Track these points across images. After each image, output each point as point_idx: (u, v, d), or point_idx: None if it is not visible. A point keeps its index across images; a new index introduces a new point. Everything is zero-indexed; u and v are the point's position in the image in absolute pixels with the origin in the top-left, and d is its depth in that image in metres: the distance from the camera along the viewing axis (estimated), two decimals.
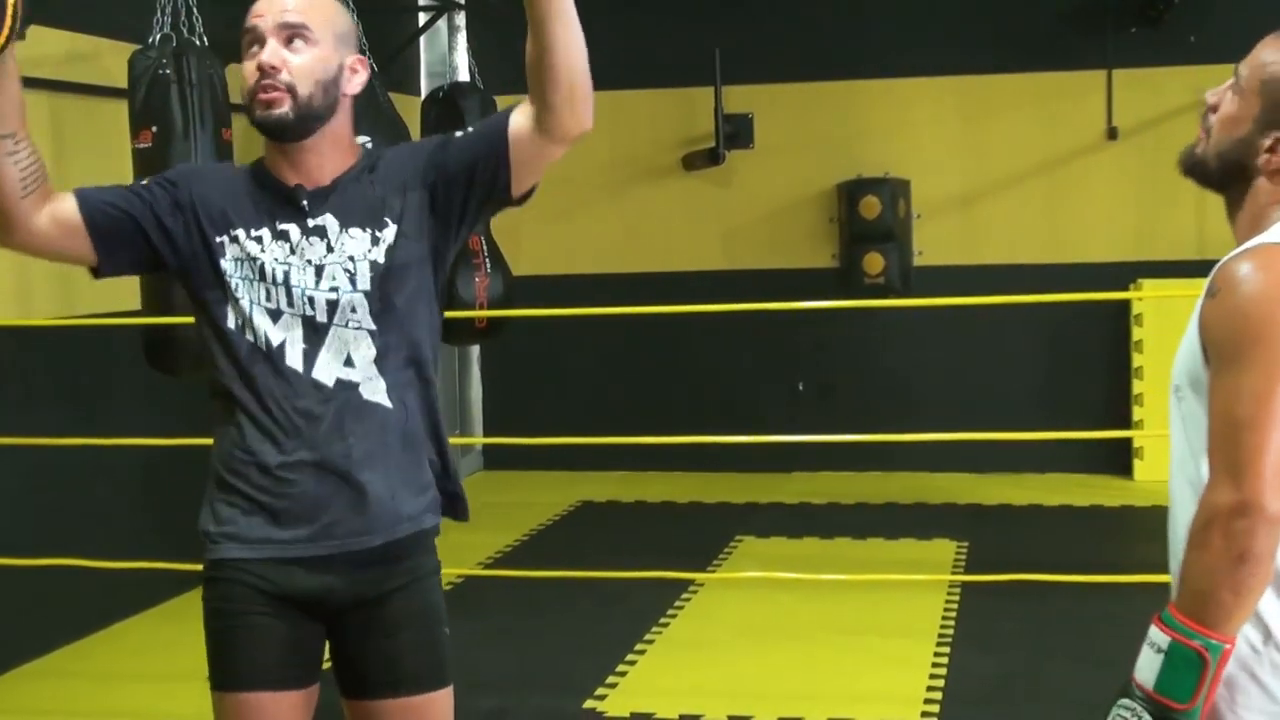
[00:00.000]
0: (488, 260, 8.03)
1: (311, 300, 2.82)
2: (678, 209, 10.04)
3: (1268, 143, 2.28)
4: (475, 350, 10.23)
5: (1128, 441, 9.26)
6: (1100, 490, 9.02)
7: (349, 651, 2.91)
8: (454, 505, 3.01)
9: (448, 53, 9.84)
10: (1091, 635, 6.00)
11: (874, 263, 9.45)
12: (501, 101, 8.43)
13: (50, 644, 6.30)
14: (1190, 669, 2.12)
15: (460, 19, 9.86)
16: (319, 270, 2.82)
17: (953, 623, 6.38)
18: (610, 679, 5.84)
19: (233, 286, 2.83)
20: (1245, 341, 2.13)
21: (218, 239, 2.85)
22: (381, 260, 2.83)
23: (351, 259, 2.82)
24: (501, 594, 6.86)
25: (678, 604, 6.79)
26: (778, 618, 6.58)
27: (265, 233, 2.83)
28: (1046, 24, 9.52)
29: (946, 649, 6.06)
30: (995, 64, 9.58)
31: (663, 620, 6.56)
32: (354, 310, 2.82)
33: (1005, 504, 8.83)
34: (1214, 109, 2.36)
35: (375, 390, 2.84)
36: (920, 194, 9.71)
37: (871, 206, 9.44)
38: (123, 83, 5.92)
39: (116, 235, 2.87)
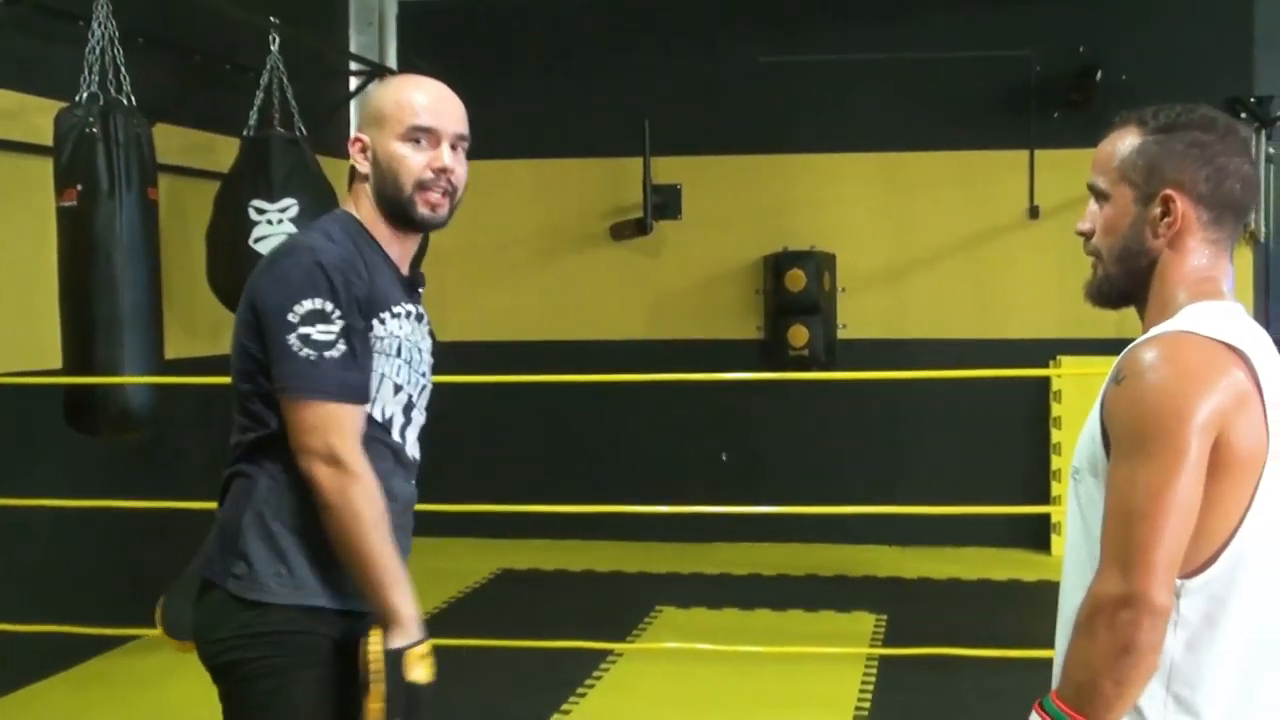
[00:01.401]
0: None
1: (416, 382, 2.98)
2: (605, 278, 10.07)
3: (1157, 210, 2.28)
4: None
5: (1046, 517, 9.33)
6: (1019, 565, 9.08)
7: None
8: None
9: None
10: (1006, 710, 6.00)
11: (799, 335, 9.51)
12: None
13: None
14: None
15: None
16: (421, 354, 2.99)
17: (870, 696, 6.38)
18: None
19: (374, 360, 2.86)
20: (1145, 432, 2.12)
21: (372, 320, 2.86)
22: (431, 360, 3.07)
23: (427, 349, 3.04)
24: None
25: (596, 674, 6.75)
26: (696, 689, 6.56)
27: (402, 310, 2.93)
28: (972, 104, 9.65)
29: None
30: (921, 141, 9.70)
31: (580, 690, 6.53)
32: (425, 394, 3.05)
33: (925, 577, 8.87)
34: (1089, 234, 2.37)
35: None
36: (846, 268, 9.79)
37: (797, 279, 9.50)
38: (49, 140, 5.88)
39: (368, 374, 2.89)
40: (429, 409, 3.06)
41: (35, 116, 6.42)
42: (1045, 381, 9.37)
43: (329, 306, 2.75)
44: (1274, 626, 2.23)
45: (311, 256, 2.78)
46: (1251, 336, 2.22)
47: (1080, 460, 2.29)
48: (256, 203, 6.75)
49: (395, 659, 2.74)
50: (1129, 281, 2.33)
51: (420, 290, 3.03)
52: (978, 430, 9.61)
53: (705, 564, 9.19)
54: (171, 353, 6.40)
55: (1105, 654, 2.09)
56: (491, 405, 9.65)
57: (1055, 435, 9.40)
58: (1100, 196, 2.34)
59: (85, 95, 5.87)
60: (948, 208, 9.74)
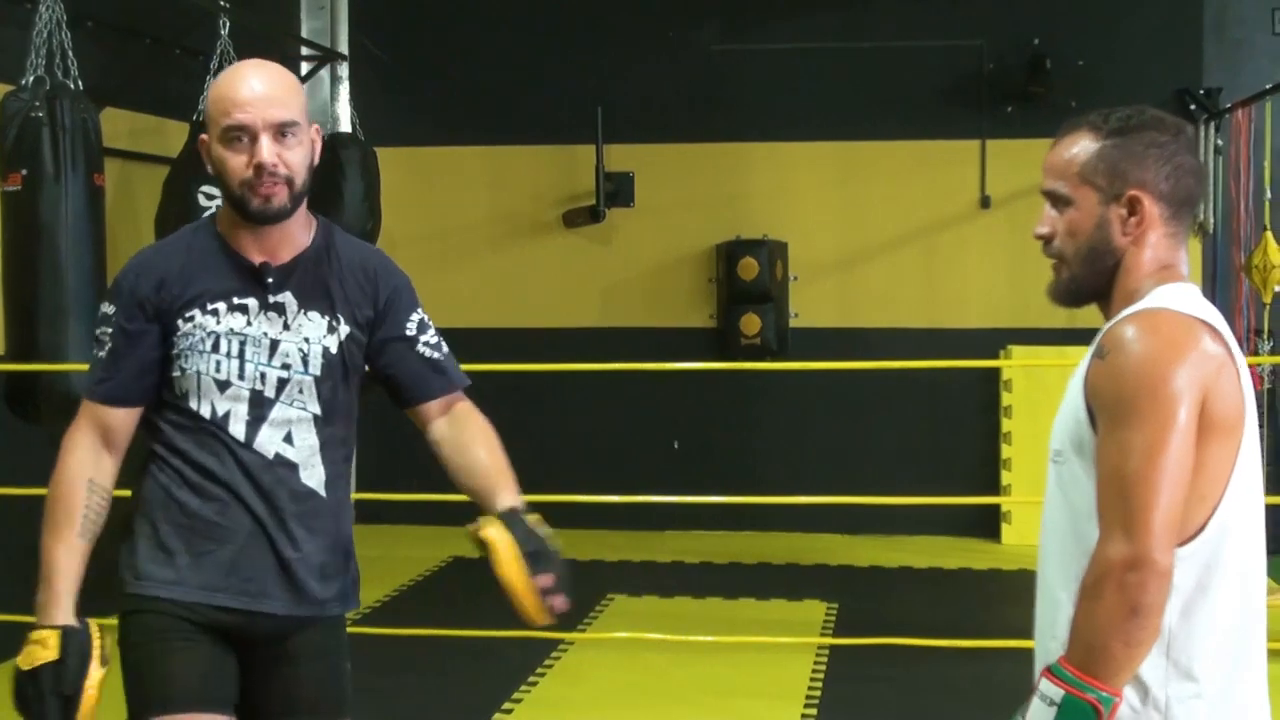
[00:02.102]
0: None
1: (263, 375, 2.92)
2: (557, 265, 10.05)
3: (1122, 211, 2.37)
4: None
5: (996, 506, 9.38)
6: (969, 553, 9.12)
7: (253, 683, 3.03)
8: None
9: (329, 103, 9.77)
10: (958, 699, 6.05)
11: (751, 324, 9.52)
12: (381, 154, 8.42)
13: None
14: None
15: (343, 69, 9.80)
16: (274, 346, 2.93)
17: (820, 685, 6.39)
18: None
19: (184, 358, 2.92)
20: (1134, 400, 2.20)
21: (178, 320, 2.93)
22: (334, 350, 2.97)
23: (307, 340, 2.95)
24: (370, 650, 6.75)
25: (547, 662, 6.74)
26: (647, 678, 6.56)
27: (221, 305, 2.92)
28: (924, 94, 9.67)
29: (814, 712, 6.07)
30: (874, 131, 9.71)
31: (531, 679, 6.51)
32: (300, 392, 2.95)
33: (876, 565, 8.90)
34: (1049, 238, 2.44)
35: (313, 476, 2.98)
36: (798, 256, 9.80)
37: (750, 268, 9.51)
38: None
39: (149, 383, 2.97)
40: (331, 401, 2.99)
41: None
42: (996, 371, 9.41)
43: (111, 309, 2.95)
44: (1257, 591, 2.34)
45: (121, 271, 3.00)
46: (1214, 313, 2.34)
47: (1062, 442, 2.35)
48: (205, 188, 6.69)
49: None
50: (1096, 281, 2.42)
51: (271, 281, 2.95)
52: (929, 419, 9.64)
53: (657, 552, 9.20)
54: None
55: (1114, 616, 2.16)
56: None
57: (1006, 424, 9.44)
58: (1060, 201, 2.41)
59: (32, 79, 5.81)
60: (900, 197, 9.76)
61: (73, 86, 5.84)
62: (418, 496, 7.68)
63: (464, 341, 9.90)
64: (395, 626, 6.94)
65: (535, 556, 2.83)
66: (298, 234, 2.99)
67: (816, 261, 9.84)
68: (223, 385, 2.91)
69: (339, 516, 3.04)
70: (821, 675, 6.52)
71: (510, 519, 2.88)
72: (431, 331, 3.13)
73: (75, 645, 2.81)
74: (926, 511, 9.00)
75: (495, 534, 2.82)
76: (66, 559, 2.85)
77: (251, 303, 2.93)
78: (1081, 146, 2.39)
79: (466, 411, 3.13)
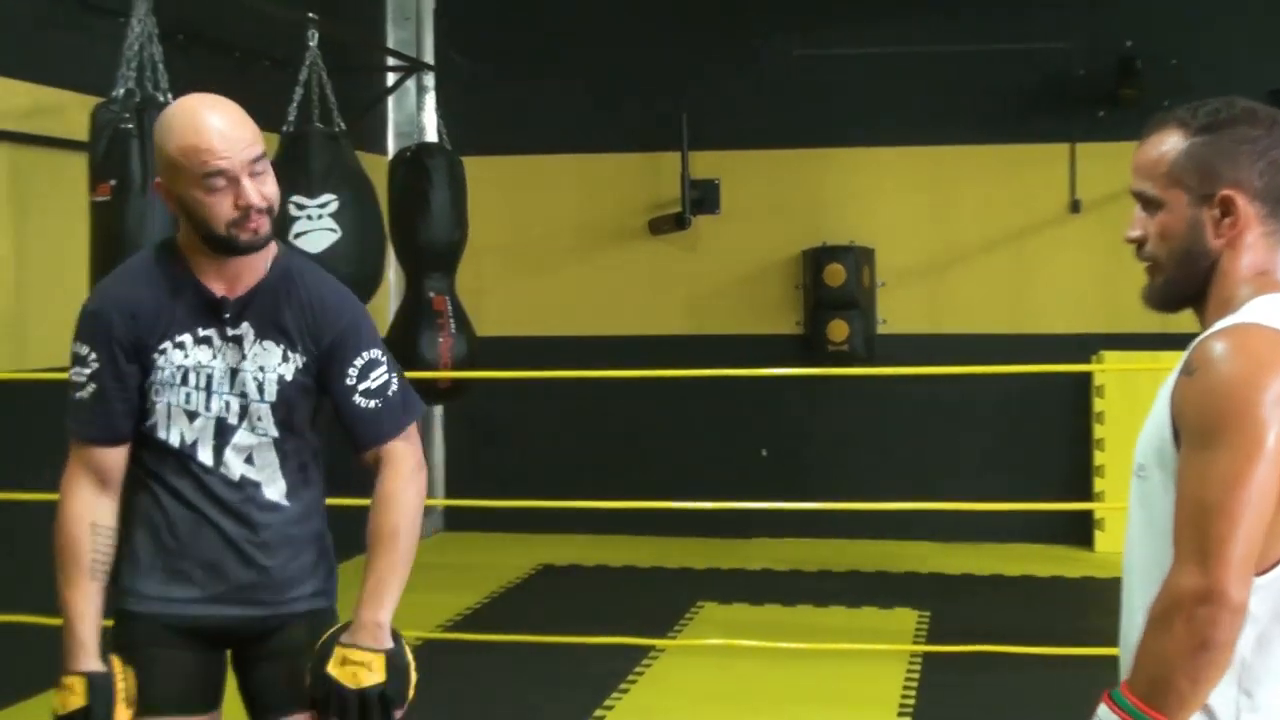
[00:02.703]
0: (452, 320, 8.02)
1: (227, 404, 3.02)
2: (643, 273, 10.05)
3: (1215, 212, 2.25)
4: (438, 411, 10.18)
5: (1089, 513, 9.26)
6: (1062, 561, 9.01)
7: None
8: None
9: (416, 113, 9.85)
10: (1050, 707, 5.96)
11: (838, 330, 9.47)
12: (469, 162, 8.46)
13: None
14: None
15: (429, 80, 9.88)
16: (233, 374, 3.02)
17: (914, 693, 6.34)
18: None
19: (155, 391, 3.01)
20: (1218, 424, 2.10)
21: (152, 354, 3.01)
22: (289, 378, 3.05)
23: (262, 369, 3.03)
24: (460, 658, 6.79)
25: (638, 670, 6.73)
26: (738, 686, 6.53)
27: (188, 339, 3.01)
28: (1012, 97, 9.58)
29: (907, 719, 6.02)
30: (961, 135, 9.64)
31: (622, 687, 6.50)
32: (260, 419, 3.04)
33: (968, 573, 8.82)
34: (1142, 241, 2.33)
35: (275, 490, 3.08)
36: (885, 262, 9.74)
37: (836, 274, 9.46)
38: (85, 136, 5.89)
39: (135, 416, 3.05)
40: (288, 422, 3.07)
41: (74, 112, 6.43)
42: (1087, 376, 9.30)
43: (85, 350, 3.02)
44: None
45: (90, 304, 3.06)
46: None
47: (1146, 456, 2.26)
48: (296, 198, 6.74)
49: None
50: (1192, 284, 2.31)
51: (229, 315, 3.02)
52: (1020, 425, 9.54)
53: (746, 560, 9.16)
54: None
55: (1182, 650, 2.07)
56: (531, 401, 9.64)
57: (1098, 430, 9.32)
58: (1150, 203, 2.31)
59: (122, 91, 5.87)
60: (987, 202, 9.68)
61: (162, 99, 5.90)
62: (505, 503, 7.72)
63: (551, 349, 10.00)
64: (485, 633, 6.95)
65: (324, 702, 2.96)
66: (259, 262, 3.05)
67: (904, 267, 9.77)
68: (191, 415, 3.02)
69: (307, 519, 3.12)
70: (915, 683, 6.46)
71: (324, 653, 2.98)
72: (377, 373, 3.10)
73: (101, 691, 2.93)
74: (1018, 519, 8.92)
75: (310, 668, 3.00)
76: (83, 604, 2.96)
77: (214, 334, 3.02)
78: (1170, 145, 2.28)
79: (387, 469, 3.09)
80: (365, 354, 3.09)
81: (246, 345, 3.02)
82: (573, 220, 10.13)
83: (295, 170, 6.80)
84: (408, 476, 3.07)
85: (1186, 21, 9.27)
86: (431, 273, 8.13)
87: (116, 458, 3.02)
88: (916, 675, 6.56)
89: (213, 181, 2.90)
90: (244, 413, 3.03)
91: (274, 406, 3.04)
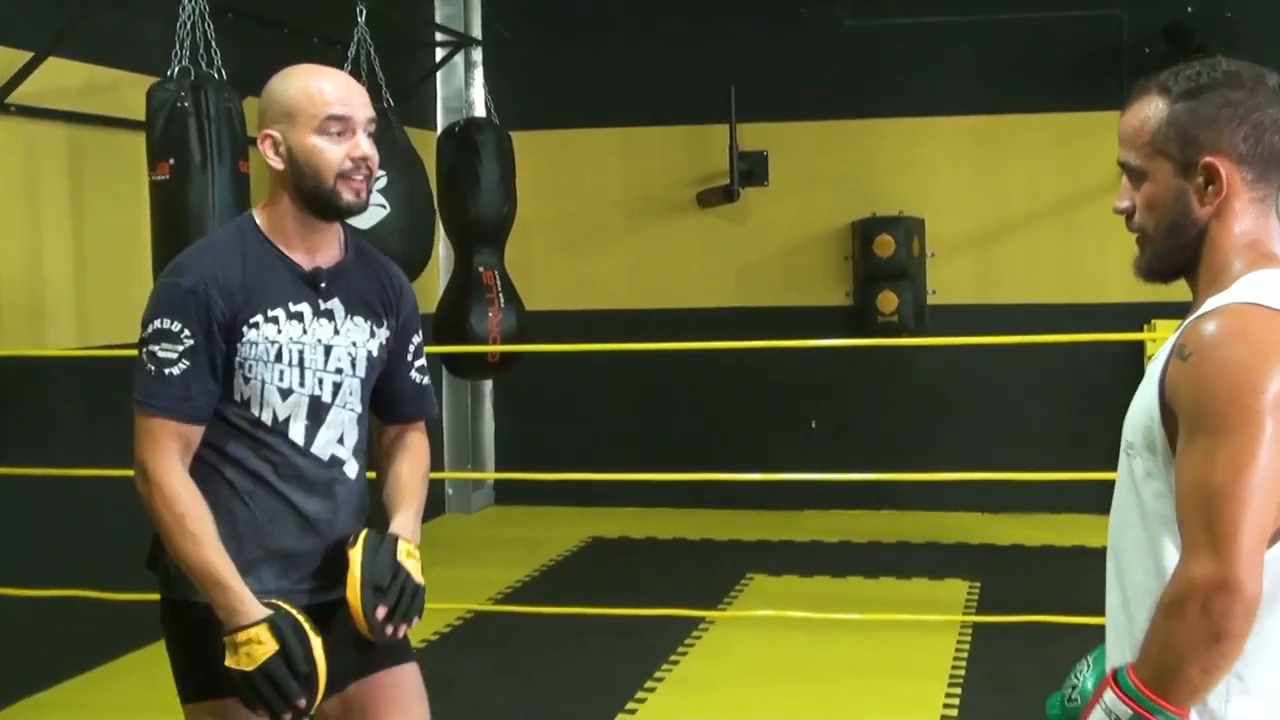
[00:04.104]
0: (501, 295, 8.05)
1: (320, 381, 3.00)
2: (692, 245, 10.05)
3: (1199, 180, 2.20)
4: (488, 385, 10.22)
5: None
6: None
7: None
8: None
9: (464, 88, 9.87)
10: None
11: (888, 301, 9.44)
12: (516, 137, 8.48)
13: (63, 674, 6.29)
14: None
15: (477, 55, 9.90)
16: (328, 351, 3.01)
17: (964, 663, 6.35)
18: (620, 717, 5.81)
19: (248, 368, 2.95)
20: (1220, 409, 2.05)
21: (242, 328, 2.95)
22: (375, 353, 3.09)
23: (354, 344, 3.04)
24: (511, 630, 6.84)
25: (688, 642, 6.76)
26: (788, 657, 6.56)
27: (280, 314, 2.97)
28: (1062, 65, 9.52)
29: (958, 690, 6.03)
30: (1011, 104, 9.58)
31: (673, 658, 6.54)
32: (351, 394, 3.05)
33: (1018, 544, 8.81)
34: (1130, 212, 2.29)
35: (353, 468, 3.10)
36: (934, 233, 9.71)
37: (886, 245, 9.44)
38: (141, 115, 5.95)
39: (215, 395, 2.97)
40: (367, 399, 3.10)
41: (128, 91, 6.50)
42: (1140, 345, 9.24)
43: (177, 326, 2.90)
44: None
45: (176, 278, 2.95)
46: None
47: (1134, 434, 2.22)
48: None
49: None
50: (1180, 255, 2.26)
51: (324, 286, 3.00)
52: (1071, 395, 9.51)
53: (795, 531, 9.18)
54: None
55: (1196, 641, 2.04)
56: (579, 374, 9.67)
57: None
58: (1135, 174, 2.26)
59: (176, 70, 5.91)
60: (1038, 171, 9.63)
61: (216, 76, 5.95)
62: (556, 476, 7.76)
63: (600, 323, 10.02)
64: (536, 605, 7.00)
65: (377, 590, 2.92)
66: (338, 238, 3.07)
67: (954, 237, 9.74)
68: (285, 393, 2.98)
69: (362, 493, 3.15)
70: (965, 653, 6.47)
71: (375, 545, 2.98)
72: (423, 355, 3.25)
73: (289, 628, 2.85)
74: (1069, 489, 8.88)
75: (353, 557, 2.95)
76: (225, 561, 2.87)
77: (306, 309, 2.99)
78: (1151, 112, 2.22)
79: (417, 435, 3.25)
80: (419, 335, 3.23)
81: (338, 320, 3.02)
82: (621, 194, 10.14)
83: None
84: (427, 450, 3.25)
85: None
86: (480, 248, 8.16)
87: (198, 437, 2.94)
88: (967, 646, 6.57)
89: (331, 125, 2.91)
90: (336, 389, 3.02)
91: (363, 383, 3.07)
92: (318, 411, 3.01)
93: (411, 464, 3.19)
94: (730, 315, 9.76)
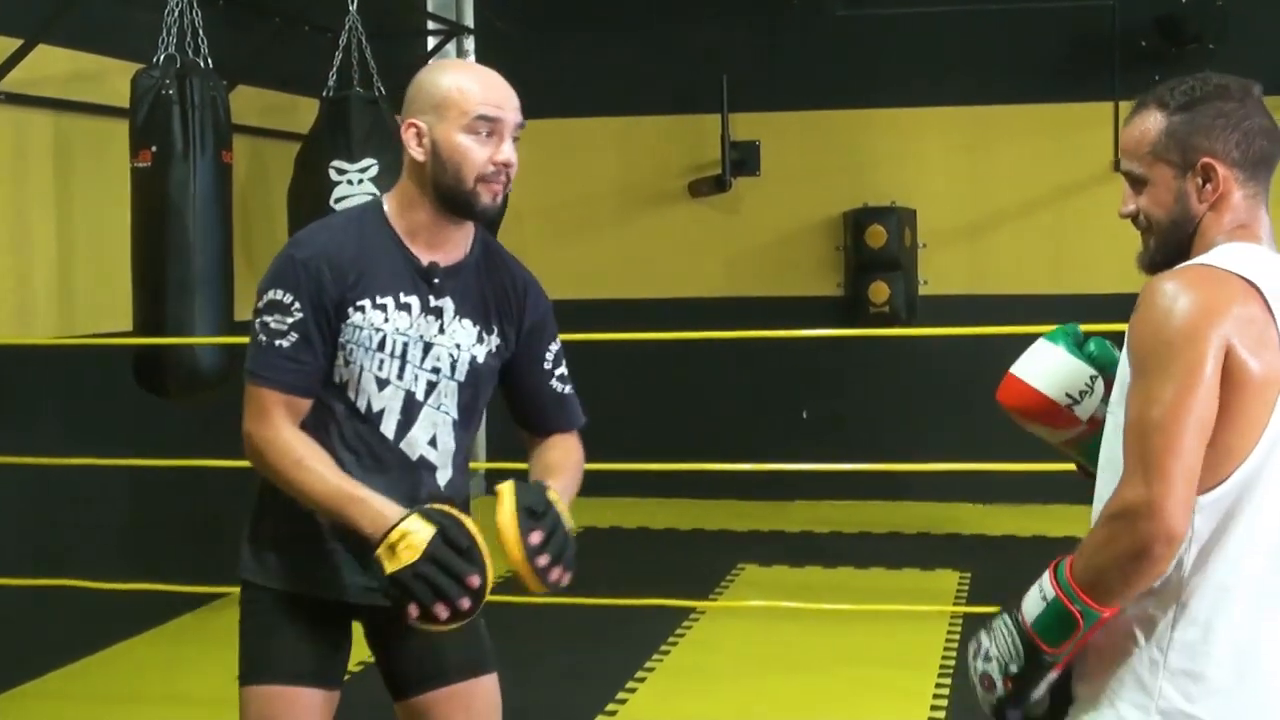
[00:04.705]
0: None
1: (416, 377, 2.93)
2: (684, 235, 10.03)
3: (1198, 179, 2.41)
4: None
5: None
6: None
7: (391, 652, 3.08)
8: None
9: None
10: None
11: (879, 291, 9.44)
12: None
13: (48, 665, 6.27)
14: (1064, 625, 2.33)
15: (469, 43, 9.87)
16: (427, 348, 2.94)
17: (955, 654, 6.34)
18: (610, 707, 5.82)
19: (349, 351, 2.90)
20: (1159, 352, 2.27)
21: (348, 309, 2.90)
22: (480, 360, 3.00)
23: (458, 347, 2.96)
24: (500, 620, 6.79)
25: (679, 632, 6.75)
26: (779, 647, 6.55)
27: (389, 302, 2.91)
28: (1054, 56, 9.51)
29: (948, 680, 6.03)
30: (1002, 95, 9.58)
31: (663, 648, 6.53)
32: (445, 396, 2.97)
33: (1010, 534, 8.80)
34: (1135, 215, 2.51)
35: (444, 477, 3.02)
36: (926, 223, 9.70)
37: (878, 235, 9.44)
38: (126, 102, 5.92)
39: (322, 372, 2.92)
40: (469, 408, 3.02)
41: (115, 79, 6.45)
42: None
43: (289, 298, 2.86)
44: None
45: (292, 250, 2.92)
46: (1275, 276, 2.34)
47: (1117, 395, 2.43)
48: (337, 163, 6.75)
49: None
50: (1178, 247, 2.46)
51: (437, 282, 2.94)
52: None
53: (786, 522, 9.17)
54: (244, 314, 6.44)
55: (1121, 554, 2.26)
56: (570, 363, 9.60)
57: None
58: (1137, 181, 2.47)
59: (163, 57, 5.89)
60: (1029, 161, 9.61)
61: (202, 65, 5.92)
62: None
63: (591, 312, 9.98)
64: (528, 595, 6.98)
65: (531, 512, 2.79)
66: (466, 237, 2.99)
67: (945, 228, 9.73)
68: (382, 383, 2.91)
69: (459, 506, 3.02)
70: (955, 644, 6.46)
71: (529, 483, 2.89)
72: (564, 364, 3.16)
73: (438, 512, 2.78)
74: (1060, 480, 8.81)
75: (504, 487, 2.81)
76: (353, 482, 2.81)
77: (415, 302, 2.92)
78: (1151, 124, 2.44)
79: (567, 438, 3.18)
80: (557, 343, 3.14)
81: (446, 319, 2.95)
82: (613, 183, 10.12)
83: (336, 135, 6.83)
84: (580, 451, 3.18)
85: None
86: None
87: (305, 410, 2.89)
88: (958, 637, 6.56)
89: (480, 125, 2.85)
90: (430, 389, 2.95)
91: (461, 387, 2.97)
92: (411, 408, 2.94)
93: (562, 451, 3.12)
94: (721, 305, 9.75)
